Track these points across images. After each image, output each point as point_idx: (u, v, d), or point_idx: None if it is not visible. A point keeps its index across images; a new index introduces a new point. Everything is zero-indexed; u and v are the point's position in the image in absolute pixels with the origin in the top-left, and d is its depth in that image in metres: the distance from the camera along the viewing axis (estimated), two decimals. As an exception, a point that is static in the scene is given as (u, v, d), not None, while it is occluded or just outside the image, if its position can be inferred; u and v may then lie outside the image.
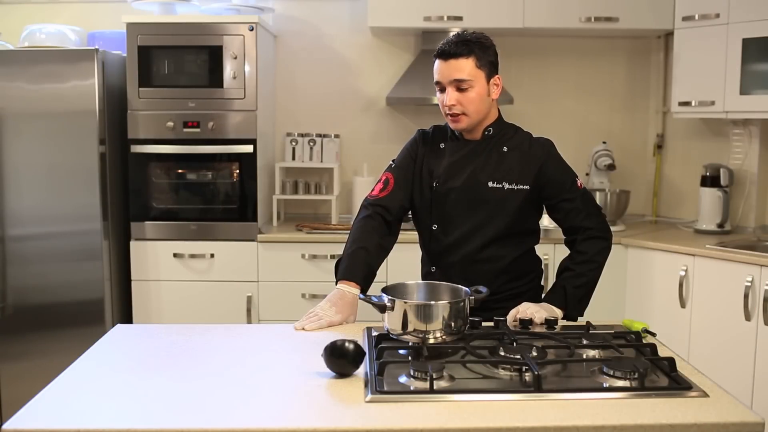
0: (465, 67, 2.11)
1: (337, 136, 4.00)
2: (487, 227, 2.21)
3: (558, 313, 2.15)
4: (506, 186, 2.19)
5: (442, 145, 2.30)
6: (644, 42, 4.14)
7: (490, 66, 2.15)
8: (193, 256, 3.56)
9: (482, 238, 2.21)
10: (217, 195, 3.63)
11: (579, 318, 2.26)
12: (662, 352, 1.83)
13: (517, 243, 2.25)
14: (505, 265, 2.24)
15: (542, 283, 2.41)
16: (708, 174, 3.72)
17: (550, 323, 2.04)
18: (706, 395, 1.57)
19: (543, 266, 2.41)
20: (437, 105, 4.06)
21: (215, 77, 3.53)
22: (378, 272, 3.35)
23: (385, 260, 3.82)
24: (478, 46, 2.12)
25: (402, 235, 3.75)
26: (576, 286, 2.21)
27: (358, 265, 2.18)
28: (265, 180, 3.78)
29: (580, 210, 2.23)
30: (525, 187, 2.20)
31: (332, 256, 3.54)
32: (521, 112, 4.16)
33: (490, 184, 2.20)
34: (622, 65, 4.17)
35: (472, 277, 2.15)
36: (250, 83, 3.53)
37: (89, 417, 1.46)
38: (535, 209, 2.27)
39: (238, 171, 3.60)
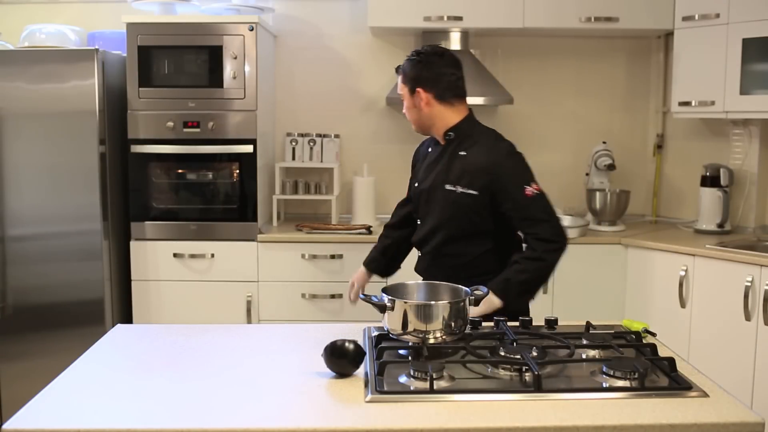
0: (399, 83, 2.40)
1: (337, 136, 4.00)
2: (447, 226, 2.36)
3: (496, 301, 2.20)
4: (459, 189, 2.31)
5: (430, 149, 2.51)
6: (644, 42, 4.14)
7: (412, 81, 2.33)
8: (193, 256, 3.56)
9: (444, 236, 2.38)
10: (217, 195, 3.63)
11: (581, 320, 2.25)
12: (662, 352, 1.83)
13: (477, 243, 2.35)
14: (467, 262, 2.35)
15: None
16: (708, 174, 3.72)
17: (550, 323, 2.05)
18: (706, 395, 1.57)
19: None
20: (437, 105, 4.04)
21: (215, 77, 3.53)
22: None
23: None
24: (406, 64, 2.38)
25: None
26: (519, 281, 2.25)
27: (371, 253, 2.77)
28: (265, 180, 3.78)
29: (525, 219, 2.28)
30: (473, 192, 2.29)
31: (332, 256, 3.54)
32: (521, 112, 4.16)
33: (447, 186, 2.34)
34: (622, 65, 4.16)
35: (438, 269, 2.35)
36: (250, 83, 3.53)
37: (89, 417, 1.46)
38: (490, 212, 2.31)
39: (238, 171, 3.60)
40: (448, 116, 2.34)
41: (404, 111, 2.39)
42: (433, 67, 2.32)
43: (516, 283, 2.24)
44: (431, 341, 1.80)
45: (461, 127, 2.35)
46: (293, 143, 3.92)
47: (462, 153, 2.33)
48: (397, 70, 2.41)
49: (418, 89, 2.32)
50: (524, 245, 2.36)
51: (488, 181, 2.27)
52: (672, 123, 4.10)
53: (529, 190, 2.27)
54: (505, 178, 2.28)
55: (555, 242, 2.28)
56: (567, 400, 1.54)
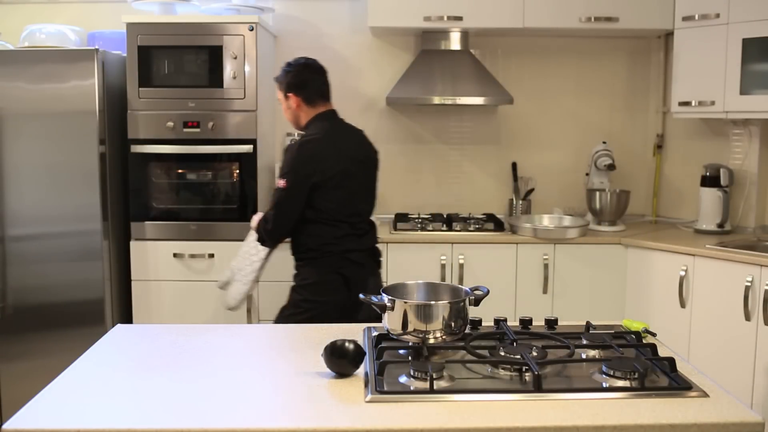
0: (277, 90, 2.90)
1: (337, 136, 4.00)
2: None
3: None
4: None
5: None
6: (644, 42, 4.14)
7: (285, 86, 2.81)
8: (193, 256, 3.56)
9: None
10: (217, 195, 3.63)
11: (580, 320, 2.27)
12: (662, 352, 1.83)
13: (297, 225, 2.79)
14: (296, 237, 2.84)
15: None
16: (708, 174, 3.72)
17: (550, 323, 2.05)
18: (706, 395, 1.57)
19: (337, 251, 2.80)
20: (437, 105, 4.10)
21: (215, 77, 3.53)
22: (377, 272, 3.30)
23: (384, 260, 3.84)
24: (280, 74, 2.84)
25: (401, 235, 3.77)
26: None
27: None
28: (265, 180, 3.78)
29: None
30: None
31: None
32: (521, 111, 4.16)
33: None
34: (623, 65, 4.17)
35: None
36: (250, 83, 3.53)
37: (89, 417, 1.46)
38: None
39: (238, 171, 3.60)
40: (305, 117, 2.83)
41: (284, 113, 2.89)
42: (300, 75, 2.79)
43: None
44: (431, 341, 1.80)
45: (305, 127, 2.82)
46: (293, 143, 3.91)
47: None
48: (275, 79, 2.88)
49: (290, 95, 2.80)
50: None
51: None
52: (672, 123, 4.10)
53: (279, 182, 2.73)
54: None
55: (263, 227, 2.80)
56: (567, 400, 1.54)
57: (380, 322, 2.87)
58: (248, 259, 2.87)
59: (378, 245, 2.95)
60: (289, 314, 2.76)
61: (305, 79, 2.80)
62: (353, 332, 2.00)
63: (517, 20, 3.70)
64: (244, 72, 3.52)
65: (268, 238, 2.81)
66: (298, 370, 1.72)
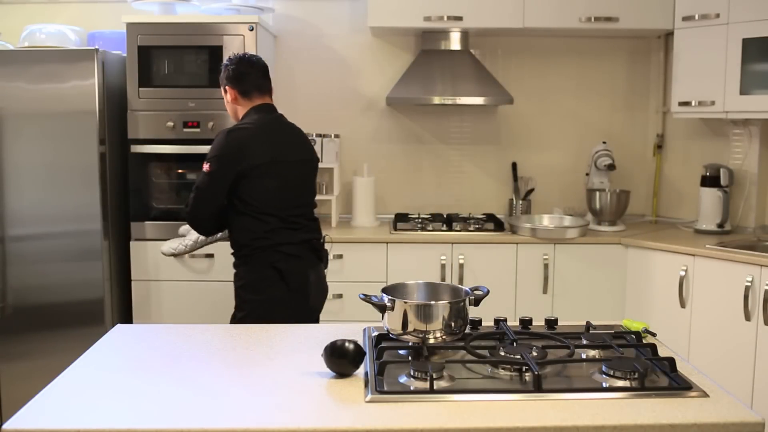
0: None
1: (337, 136, 4.00)
2: None
3: None
4: None
5: None
6: (644, 42, 4.14)
7: (224, 81, 2.80)
8: (193, 256, 3.56)
9: None
10: (217, 195, 3.62)
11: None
12: (662, 352, 1.83)
13: (230, 211, 2.73)
14: (230, 235, 2.77)
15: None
16: (708, 174, 3.72)
17: (550, 323, 2.05)
18: (706, 395, 1.57)
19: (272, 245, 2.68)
20: (437, 105, 4.10)
21: (215, 77, 3.52)
22: (377, 272, 3.33)
23: (385, 260, 3.85)
24: (220, 70, 2.82)
25: (401, 235, 3.76)
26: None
27: None
28: (265, 180, 3.78)
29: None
30: None
31: (332, 256, 3.54)
32: (521, 111, 4.16)
33: None
34: (623, 65, 4.17)
35: None
36: (250, 83, 3.53)
37: (89, 417, 1.46)
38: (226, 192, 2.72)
39: (238, 171, 3.59)
40: (247, 107, 2.80)
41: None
42: (237, 69, 2.77)
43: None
44: (431, 341, 1.80)
45: (243, 116, 2.79)
46: (293, 143, 3.91)
47: None
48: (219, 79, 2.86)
49: (227, 88, 2.78)
50: None
51: None
52: (672, 123, 4.10)
53: (204, 166, 2.68)
54: None
55: (186, 211, 2.73)
56: (567, 400, 1.54)
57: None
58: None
59: (324, 242, 2.85)
60: (238, 319, 2.70)
61: (242, 71, 2.77)
62: (353, 332, 2.00)
63: (517, 20, 3.70)
64: (244, 72, 3.51)
65: (188, 221, 2.74)
66: (298, 370, 1.72)
